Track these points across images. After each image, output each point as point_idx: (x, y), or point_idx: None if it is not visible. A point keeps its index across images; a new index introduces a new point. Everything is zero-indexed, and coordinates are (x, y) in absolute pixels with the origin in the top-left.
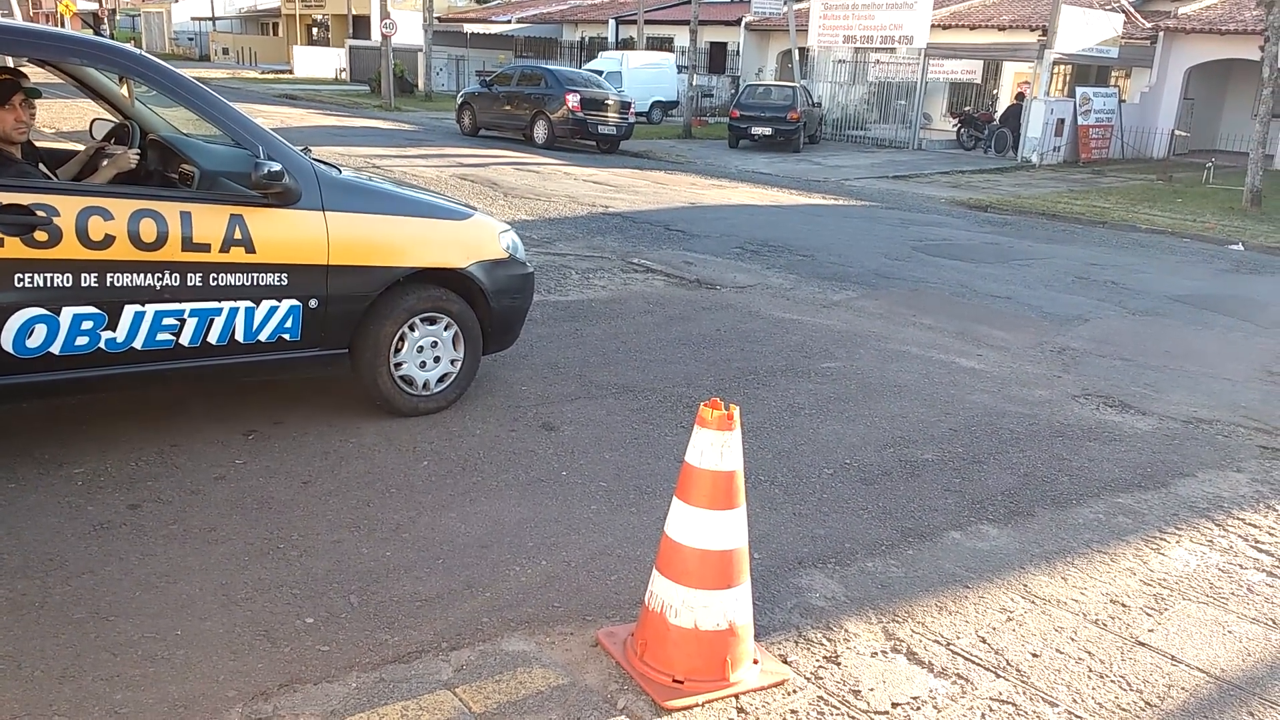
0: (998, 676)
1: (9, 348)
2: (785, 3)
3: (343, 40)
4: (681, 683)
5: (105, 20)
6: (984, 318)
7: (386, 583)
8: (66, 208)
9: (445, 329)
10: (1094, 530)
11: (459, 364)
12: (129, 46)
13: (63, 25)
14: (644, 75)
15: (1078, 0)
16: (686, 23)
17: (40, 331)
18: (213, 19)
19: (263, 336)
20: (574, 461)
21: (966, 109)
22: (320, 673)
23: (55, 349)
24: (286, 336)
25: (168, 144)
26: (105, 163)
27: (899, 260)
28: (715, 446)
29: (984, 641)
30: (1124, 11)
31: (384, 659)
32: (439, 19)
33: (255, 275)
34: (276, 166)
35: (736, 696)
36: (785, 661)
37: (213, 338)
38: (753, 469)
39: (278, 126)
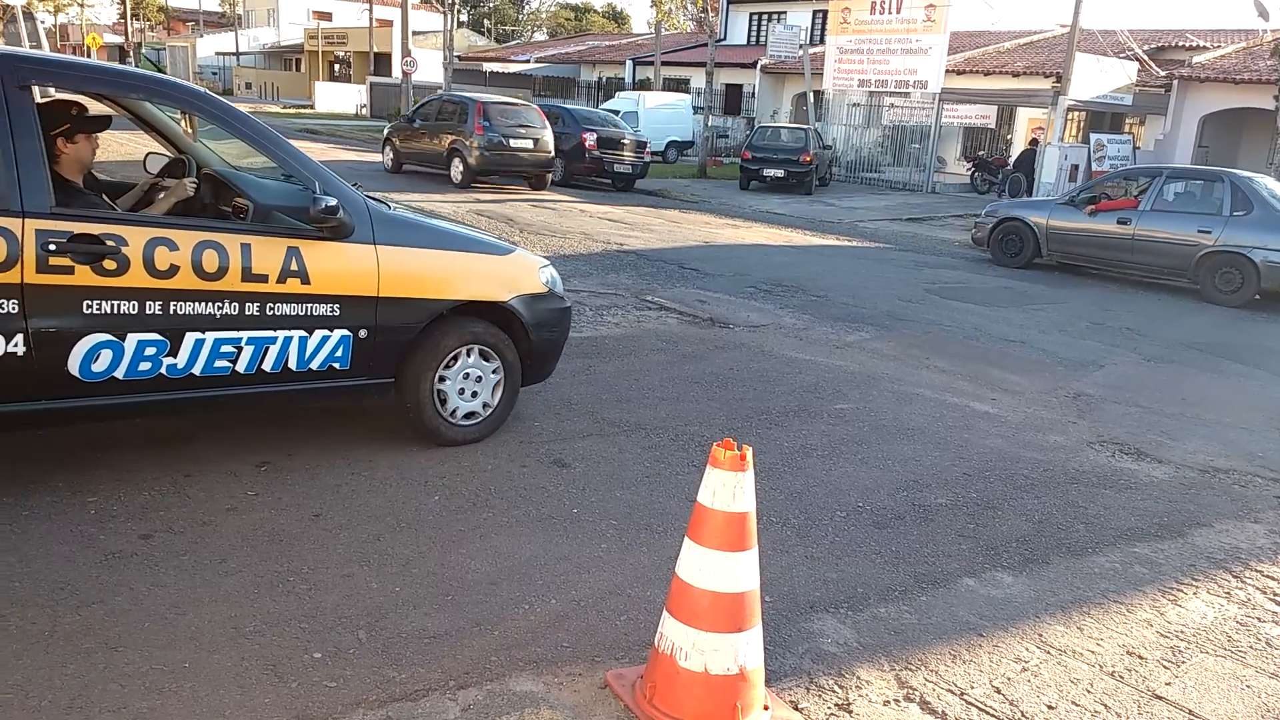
0: None
1: (75, 371)
2: (801, 47)
3: (364, 77)
4: None
5: (131, 53)
6: (998, 361)
7: (395, 618)
8: (134, 238)
9: (486, 361)
10: (1110, 579)
11: (499, 395)
12: (191, 84)
13: (89, 57)
14: (660, 115)
15: (1092, 48)
16: (703, 65)
17: (106, 356)
18: (236, 54)
19: (314, 365)
20: (585, 499)
21: (980, 153)
22: (327, 710)
23: (119, 373)
24: (336, 365)
25: (222, 178)
26: (163, 194)
27: (912, 302)
28: (728, 487)
29: (998, 692)
30: (1138, 60)
31: (391, 696)
32: (459, 58)
33: (309, 305)
34: (333, 201)
35: None
36: (796, 708)
37: (267, 365)
38: (765, 510)
39: None
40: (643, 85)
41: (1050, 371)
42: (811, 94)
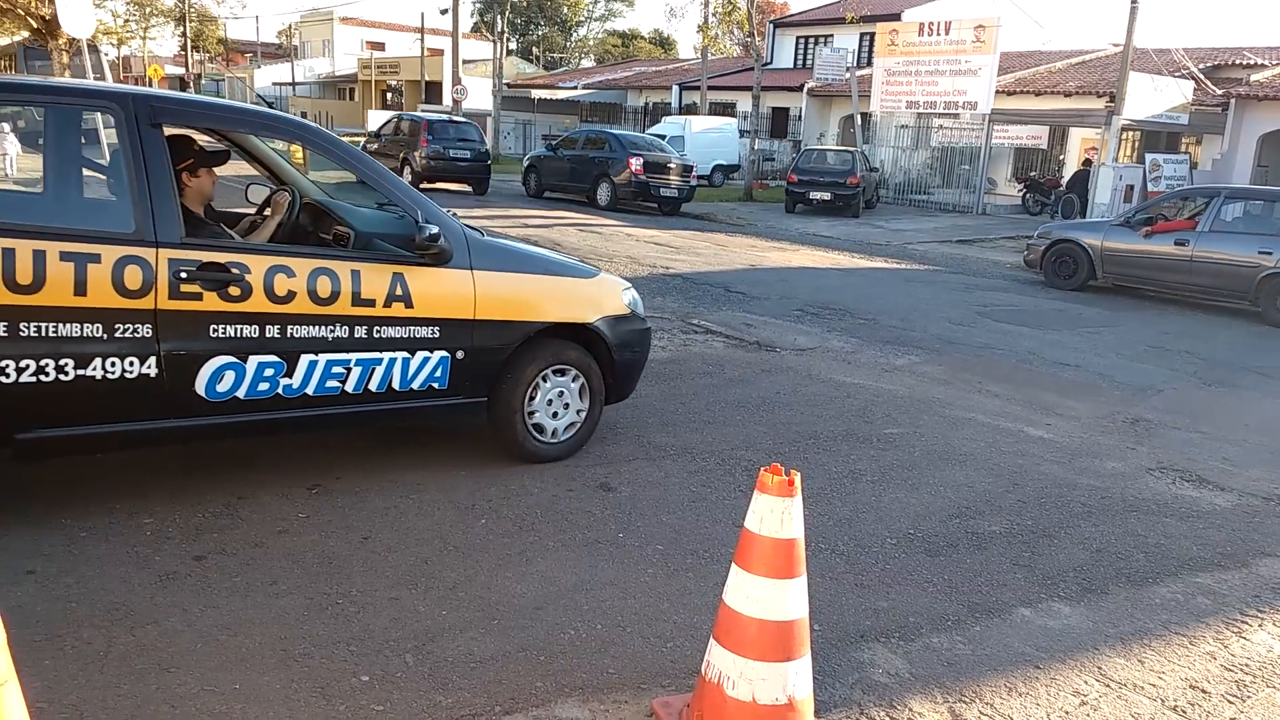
0: None
1: (201, 391)
2: (848, 69)
3: (415, 105)
4: None
5: (191, 84)
6: (1053, 386)
7: (442, 642)
8: (256, 265)
9: (573, 380)
10: (1171, 611)
11: (584, 413)
12: (305, 120)
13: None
14: (706, 139)
15: (1146, 67)
16: (749, 88)
17: (229, 377)
18: (293, 84)
19: (415, 384)
20: (631, 523)
21: (1032, 174)
22: None
23: (240, 393)
24: (435, 385)
25: (322, 207)
26: (267, 213)
27: (963, 325)
28: (776, 513)
29: None
30: (1194, 78)
31: None
32: (508, 85)
33: (412, 328)
34: (435, 230)
35: None
36: None
37: (373, 385)
38: (813, 536)
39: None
40: (689, 109)
41: (1107, 396)
42: (859, 116)
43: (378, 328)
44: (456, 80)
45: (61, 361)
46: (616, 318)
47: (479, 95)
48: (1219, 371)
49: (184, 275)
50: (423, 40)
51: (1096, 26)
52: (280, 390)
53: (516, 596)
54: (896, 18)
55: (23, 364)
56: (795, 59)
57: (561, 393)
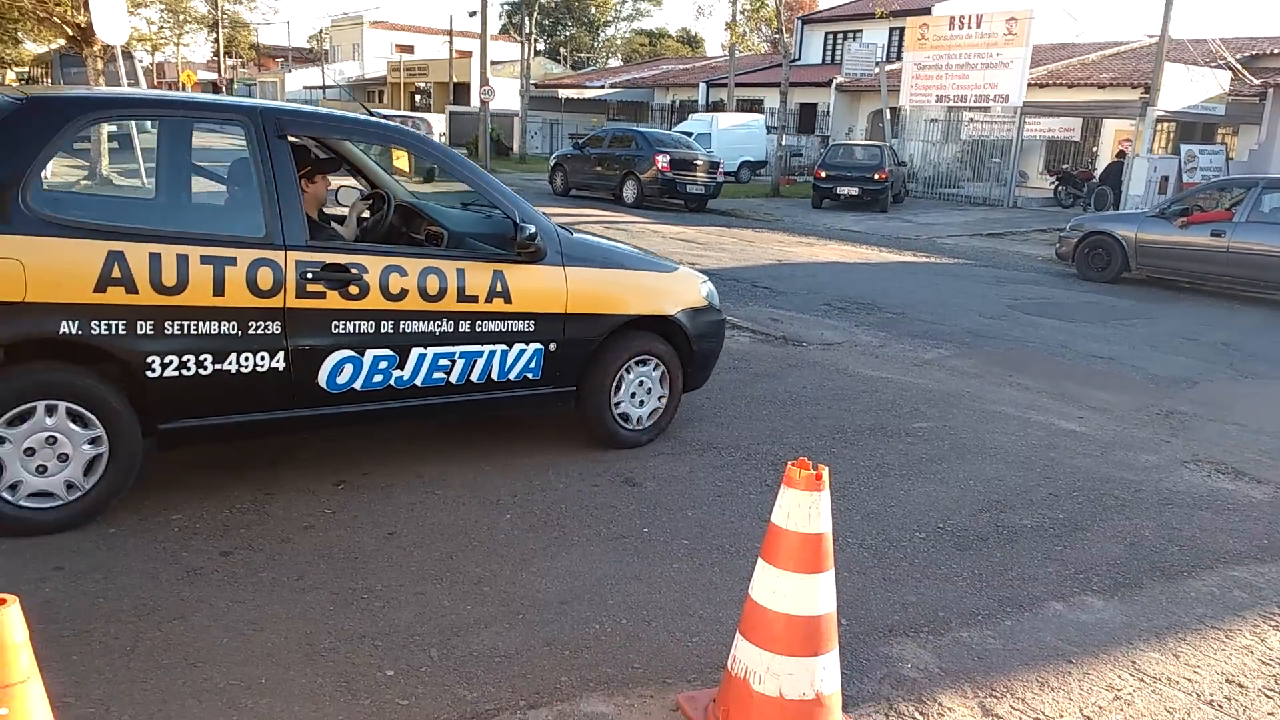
0: None
1: (323, 383)
2: (877, 64)
3: (443, 106)
4: None
5: (224, 89)
6: (1085, 379)
7: (467, 637)
8: (373, 265)
9: (655, 369)
10: (1207, 604)
11: (665, 401)
12: (412, 129)
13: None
14: (733, 136)
15: (1181, 58)
16: (777, 85)
17: (348, 370)
18: (323, 88)
19: (512, 375)
20: (656, 518)
21: (1065, 166)
22: None
23: (357, 385)
24: (530, 375)
25: (414, 208)
26: (364, 215)
27: (994, 319)
28: (803, 507)
29: None
30: (1230, 68)
31: (463, 716)
32: (535, 85)
33: (510, 322)
34: (533, 229)
35: None
36: None
37: (475, 376)
38: (840, 531)
39: None
40: (716, 107)
41: (1141, 389)
42: (888, 111)
43: (480, 322)
44: (484, 81)
45: (202, 357)
46: (695, 310)
47: (507, 95)
48: (1255, 364)
49: (309, 276)
50: (451, 43)
51: (1131, 18)
52: (393, 381)
53: (541, 591)
54: (926, 12)
55: (168, 360)
56: (824, 55)
57: (643, 382)
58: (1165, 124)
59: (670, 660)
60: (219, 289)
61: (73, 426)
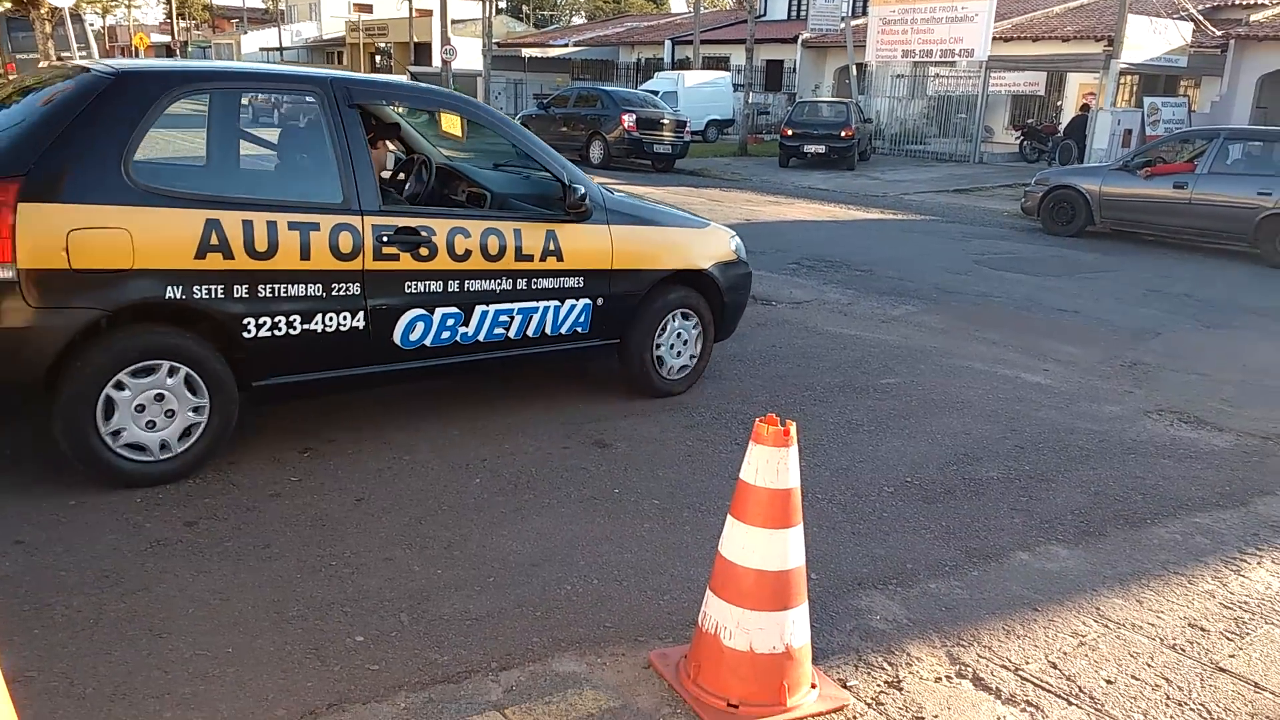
0: (1069, 704)
1: (398, 341)
2: (843, 19)
3: (404, 67)
4: (736, 707)
5: (178, 52)
6: (1050, 332)
7: (437, 601)
8: (440, 228)
9: (690, 321)
10: (1170, 551)
11: (700, 350)
12: (465, 95)
13: (138, 56)
14: (700, 94)
15: (1144, 9)
16: (742, 41)
17: (420, 328)
18: (280, 49)
19: (564, 329)
20: (627, 479)
21: (1029, 121)
22: (370, 692)
23: (428, 341)
24: (579, 329)
25: (454, 171)
26: (401, 177)
27: (961, 274)
28: (771, 463)
29: (1055, 667)
30: (1193, 20)
31: (433, 679)
32: (498, 44)
33: (562, 279)
34: (584, 189)
35: None
36: (845, 686)
37: (530, 331)
38: (809, 486)
39: None
40: (682, 64)
41: (1105, 341)
42: (854, 67)
43: (535, 279)
44: (445, 41)
45: (291, 317)
46: (726, 263)
47: (469, 55)
48: (1217, 314)
49: (385, 239)
50: (410, 1)
51: None
52: (458, 338)
53: (512, 554)
54: None
55: (261, 320)
56: (789, 10)
57: (680, 333)
58: (1128, 77)
59: (642, 619)
60: (305, 253)
61: (177, 384)
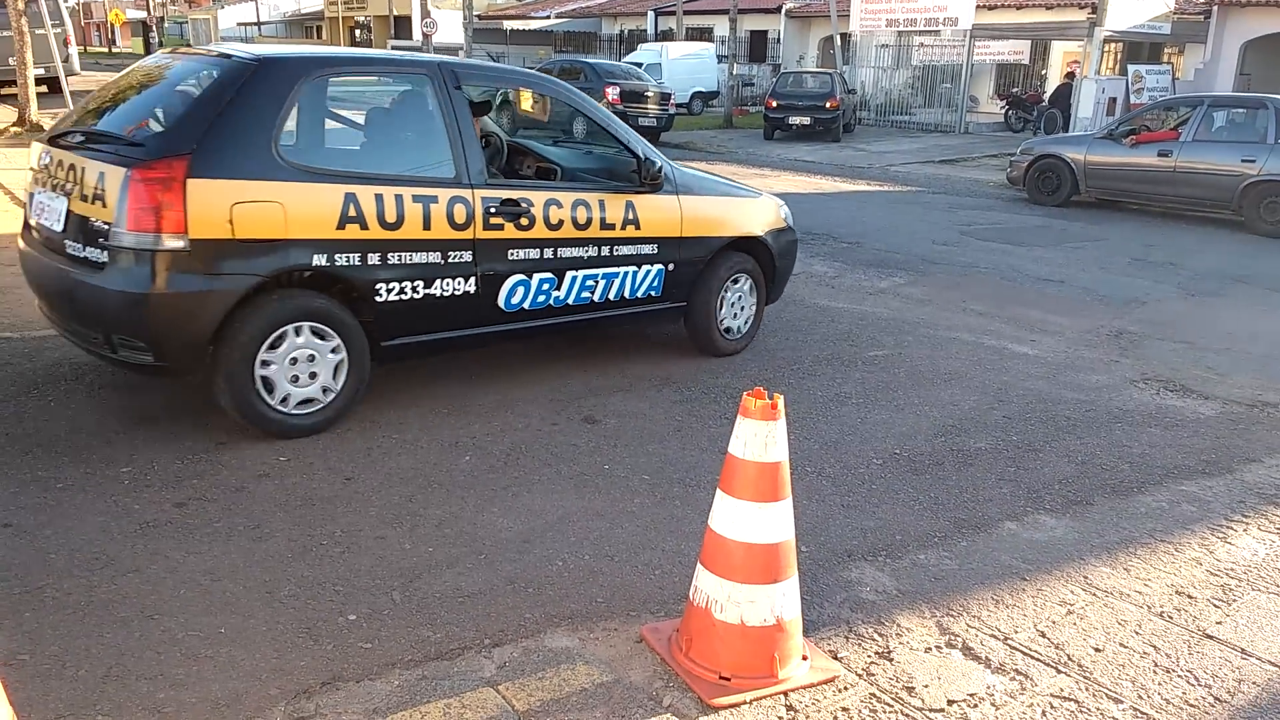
0: (1059, 672)
1: (501, 304)
2: None
3: (385, 41)
4: (728, 680)
5: (154, 28)
6: (1037, 302)
7: (429, 579)
8: (537, 199)
9: (747, 285)
10: (1157, 519)
11: (755, 312)
12: (553, 77)
13: (114, 32)
14: (684, 66)
15: None
16: (726, 12)
17: (520, 292)
18: (258, 23)
19: (639, 293)
20: (616, 454)
21: (1014, 90)
22: (362, 670)
23: (526, 304)
24: (653, 293)
25: (522, 147)
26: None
27: (947, 245)
28: (759, 437)
29: (1043, 636)
30: None
31: (426, 656)
32: (479, 17)
33: (639, 246)
34: (660, 162)
35: (785, 694)
36: (835, 657)
37: (612, 294)
38: (799, 460)
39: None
40: (665, 36)
41: (1091, 310)
42: (838, 37)
43: (616, 247)
44: (426, 14)
45: (415, 283)
46: (777, 230)
47: (450, 28)
48: (1202, 282)
49: (492, 210)
50: None
51: None
52: (551, 301)
53: (503, 530)
54: None
55: (390, 285)
56: None
57: (740, 297)
58: (1112, 45)
59: (633, 593)
60: (427, 224)
61: (321, 345)
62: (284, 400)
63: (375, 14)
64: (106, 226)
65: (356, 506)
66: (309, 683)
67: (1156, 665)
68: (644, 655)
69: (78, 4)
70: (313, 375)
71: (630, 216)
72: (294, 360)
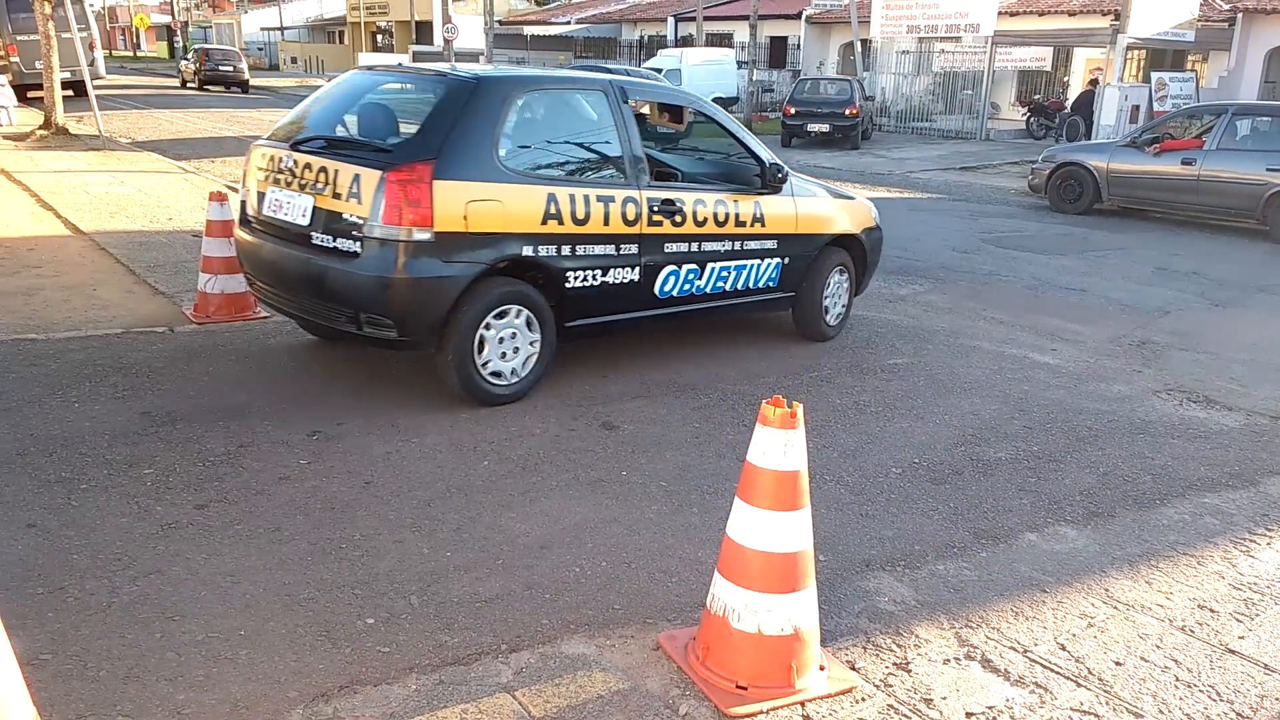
0: (1079, 686)
1: (657, 291)
2: None
3: (406, 46)
4: (745, 689)
5: (178, 32)
6: (1058, 311)
7: (447, 583)
8: (687, 199)
9: (844, 276)
10: (1179, 531)
11: (848, 301)
12: (696, 95)
13: (138, 37)
14: (703, 72)
15: None
16: (746, 18)
17: (671, 281)
18: (281, 29)
19: (760, 284)
20: (634, 461)
21: (1036, 97)
22: (380, 674)
23: (675, 292)
24: (770, 284)
25: (646, 154)
26: None
27: (968, 253)
28: (778, 445)
29: (1063, 649)
30: None
31: (443, 661)
32: (500, 22)
33: (763, 241)
34: (785, 167)
35: (802, 704)
36: (853, 668)
37: (740, 284)
38: (817, 468)
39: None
40: (685, 41)
41: (1113, 319)
42: (858, 43)
43: (746, 241)
44: (447, 19)
45: (594, 271)
46: (869, 229)
47: (471, 34)
48: (1226, 292)
49: (654, 208)
50: None
51: None
52: (694, 289)
53: (521, 536)
54: None
55: (577, 274)
56: None
57: (839, 287)
58: (1136, 52)
59: (650, 601)
60: (606, 220)
61: (522, 324)
62: (494, 373)
63: (397, 19)
64: (360, 220)
65: (375, 510)
66: (327, 686)
67: (1178, 680)
68: (661, 663)
69: (103, 8)
70: (515, 350)
71: (757, 214)
72: (502, 339)
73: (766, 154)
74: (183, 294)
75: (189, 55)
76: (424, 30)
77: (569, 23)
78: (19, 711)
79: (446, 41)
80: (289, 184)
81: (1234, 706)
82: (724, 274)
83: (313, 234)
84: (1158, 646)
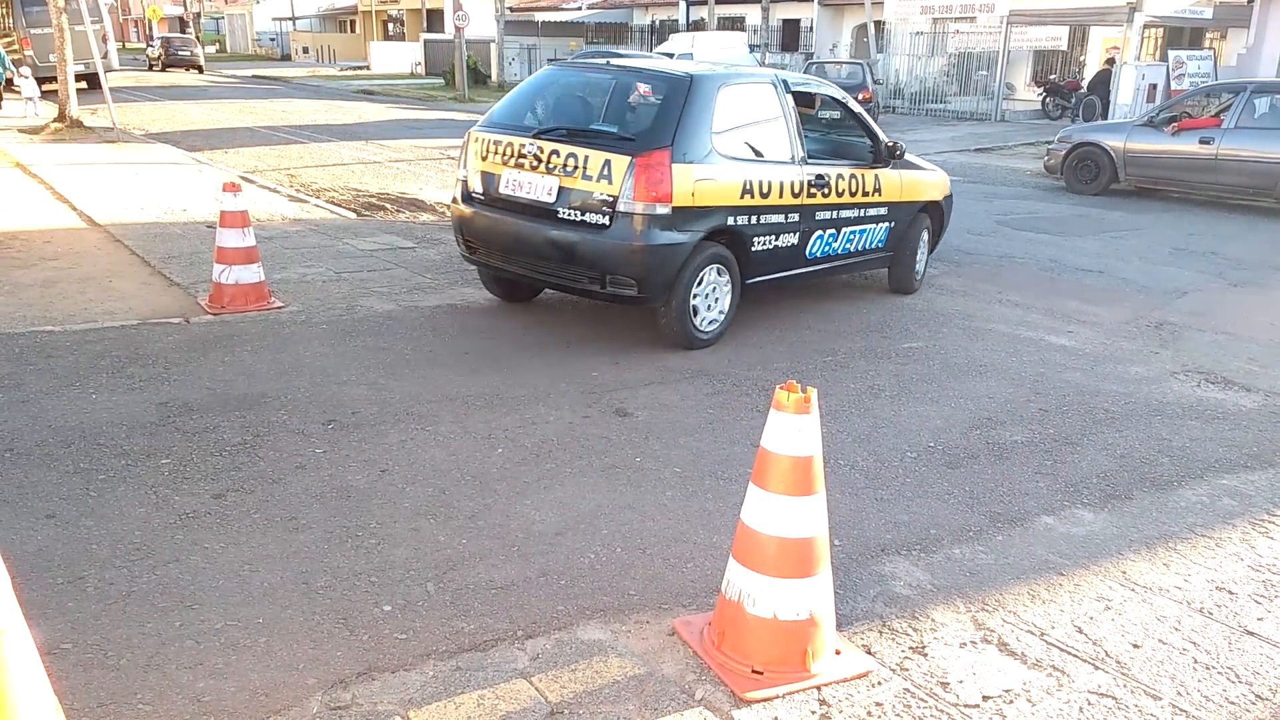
0: (1096, 668)
1: (807, 253)
2: None
3: (418, 35)
4: (761, 673)
5: (190, 23)
6: (1075, 293)
7: (463, 570)
8: (830, 173)
9: (927, 238)
10: (1197, 513)
11: (926, 260)
12: (828, 82)
13: (151, 28)
14: (715, 56)
15: None
16: (759, 1)
17: (817, 244)
18: (293, 19)
19: (873, 245)
20: (648, 447)
21: (1052, 77)
22: (398, 661)
23: (818, 253)
24: (879, 245)
25: None
26: None
27: (983, 235)
28: (792, 430)
29: (1081, 631)
30: None
31: (460, 647)
32: (510, 9)
33: (878, 208)
34: (903, 147)
35: (818, 688)
36: (869, 652)
37: (861, 245)
38: (832, 453)
39: (357, 122)
40: (697, 25)
41: (1130, 301)
42: (872, 25)
43: (867, 209)
44: (458, 7)
45: (770, 236)
46: (947, 197)
47: (482, 21)
48: (1245, 272)
49: (811, 183)
50: None
51: None
52: (831, 251)
53: (536, 523)
54: None
55: (758, 239)
56: None
57: (923, 247)
58: (1153, 30)
59: (665, 586)
60: (781, 193)
61: (721, 281)
62: (701, 321)
63: (408, 7)
64: (611, 198)
65: (391, 498)
66: (345, 673)
67: (1196, 662)
68: (676, 648)
69: (116, 1)
70: (715, 303)
71: (876, 185)
72: (706, 294)
73: (883, 132)
74: (198, 285)
75: (153, 44)
76: (435, 18)
77: (580, 8)
78: (40, 701)
79: (458, 29)
80: (533, 167)
81: (1253, 688)
82: (851, 237)
83: (559, 210)
84: (1176, 629)
